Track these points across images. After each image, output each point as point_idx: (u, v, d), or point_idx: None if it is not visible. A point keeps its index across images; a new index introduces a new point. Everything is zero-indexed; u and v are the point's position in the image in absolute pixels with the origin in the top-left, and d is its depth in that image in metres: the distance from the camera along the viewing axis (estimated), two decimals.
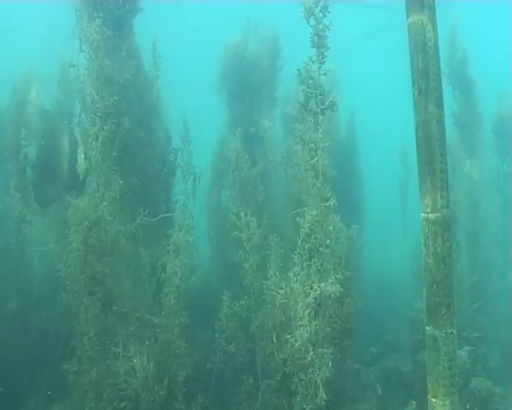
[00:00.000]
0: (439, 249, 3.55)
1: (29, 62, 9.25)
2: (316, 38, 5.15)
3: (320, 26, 5.13)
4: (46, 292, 7.77)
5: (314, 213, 5.15)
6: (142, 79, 6.89)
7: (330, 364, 5.16)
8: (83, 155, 6.02)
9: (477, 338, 8.19)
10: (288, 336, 5.21)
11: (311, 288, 5.15)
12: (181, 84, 13.39)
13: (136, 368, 5.62)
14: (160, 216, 6.37)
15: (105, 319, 5.56)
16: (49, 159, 6.36)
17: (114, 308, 5.56)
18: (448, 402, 3.50)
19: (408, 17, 3.65)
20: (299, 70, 5.22)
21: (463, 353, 7.38)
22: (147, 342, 5.77)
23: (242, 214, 6.74)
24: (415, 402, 6.75)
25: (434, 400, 3.54)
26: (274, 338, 5.45)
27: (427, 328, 3.60)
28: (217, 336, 6.49)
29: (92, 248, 5.44)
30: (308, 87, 5.21)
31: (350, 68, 15.20)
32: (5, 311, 7.31)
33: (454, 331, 3.54)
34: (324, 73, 5.19)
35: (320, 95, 5.19)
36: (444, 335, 3.52)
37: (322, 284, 5.10)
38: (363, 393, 7.80)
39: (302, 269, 5.27)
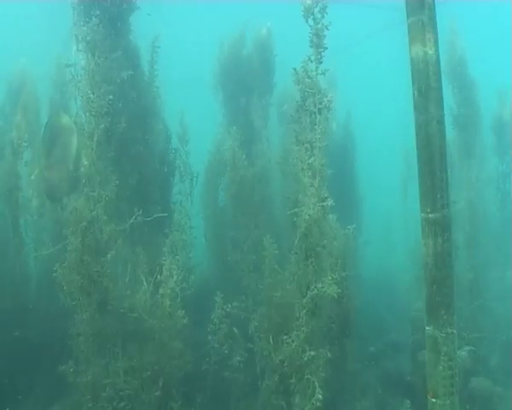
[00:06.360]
0: (439, 249, 3.54)
1: (26, 62, 9.22)
2: (314, 37, 5.12)
3: (319, 26, 5.10)
4: (43, 292, 7.73)
5: (311, 212, 5.11)
6: (139, 77, 6.85)
7: (327, 364, 5.13)
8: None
9: (477, 338, 8.16)
10: (285, 337, 5.18)
11: (308, 288, 5.12)
12: (177, 83, 13.35)
13: (135, 368, 5.59)
14: (155, 216, 6.31)
15: (101, 319, 5.51)
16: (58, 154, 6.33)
17: (109, 308, 5.52)
18: (448, 402, 3.49)
19: (408, 17, 3.64)
20: (294, 69, 5.19)
21: (463, 353, 7.36)
22: (144, 343, 5.73)
23: (239, 214, 6.71)
24: (409, 401, 6.74)
25: (434, 400, 3.53)
26: (271, 339, 5.41)
27: (427, 328, 3.59)
28: (209, 337, 6.43)
29: (88, 249, 5.40)
30: (305, 86, 5.17)
31: (350, 68, 15.20)
32: (2, 312, 7.27)
33: (454, 331, 3.54)
34: (322, 73, 5.16)
35: (317, 94, 5.16)
36: (444, 335, 3.51)
37: (319, 285, 5.07)
38: (362, 393, 7.76)
39: (299, 269, 5.24)
